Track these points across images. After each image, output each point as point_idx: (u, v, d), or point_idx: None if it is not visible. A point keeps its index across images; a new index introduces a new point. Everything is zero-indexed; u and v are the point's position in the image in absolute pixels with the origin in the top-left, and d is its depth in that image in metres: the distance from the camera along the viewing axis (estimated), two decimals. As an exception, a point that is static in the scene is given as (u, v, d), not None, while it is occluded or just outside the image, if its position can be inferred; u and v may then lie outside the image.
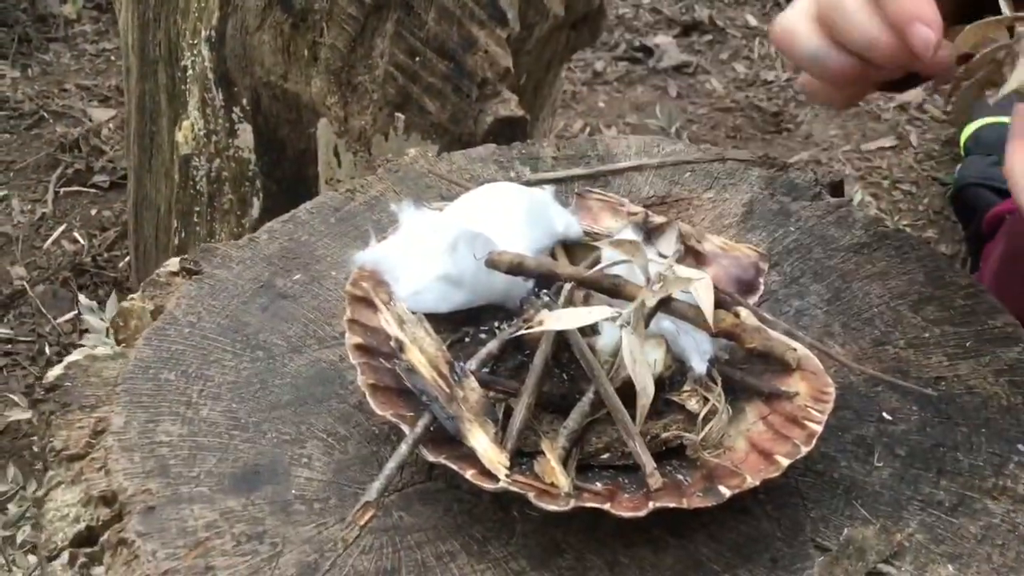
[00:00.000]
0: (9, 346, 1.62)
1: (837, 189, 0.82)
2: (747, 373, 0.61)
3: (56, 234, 1.78)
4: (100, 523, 0.56)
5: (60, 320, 1.64)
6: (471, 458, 0.55)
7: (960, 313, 0.68)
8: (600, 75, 2.23)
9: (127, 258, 1.69)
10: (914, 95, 2.10)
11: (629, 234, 0.69)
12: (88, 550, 0.56)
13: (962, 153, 1.88)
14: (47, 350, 1.60)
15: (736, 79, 2.20)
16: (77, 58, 2.24)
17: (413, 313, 0.60)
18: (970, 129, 1.87)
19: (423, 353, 0.57)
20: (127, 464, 0.57)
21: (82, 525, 0.57)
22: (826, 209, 0.77)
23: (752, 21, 2.37)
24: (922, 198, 1.89)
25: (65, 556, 0.56)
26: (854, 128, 2.04)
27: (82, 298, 1.57)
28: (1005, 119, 1.83)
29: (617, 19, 2.38)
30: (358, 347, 0.60)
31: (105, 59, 2.22)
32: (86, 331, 1.59)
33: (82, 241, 1.78)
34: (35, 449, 1.38)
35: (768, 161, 0.82)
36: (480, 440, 0.54)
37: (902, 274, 0.72)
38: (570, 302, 0.64)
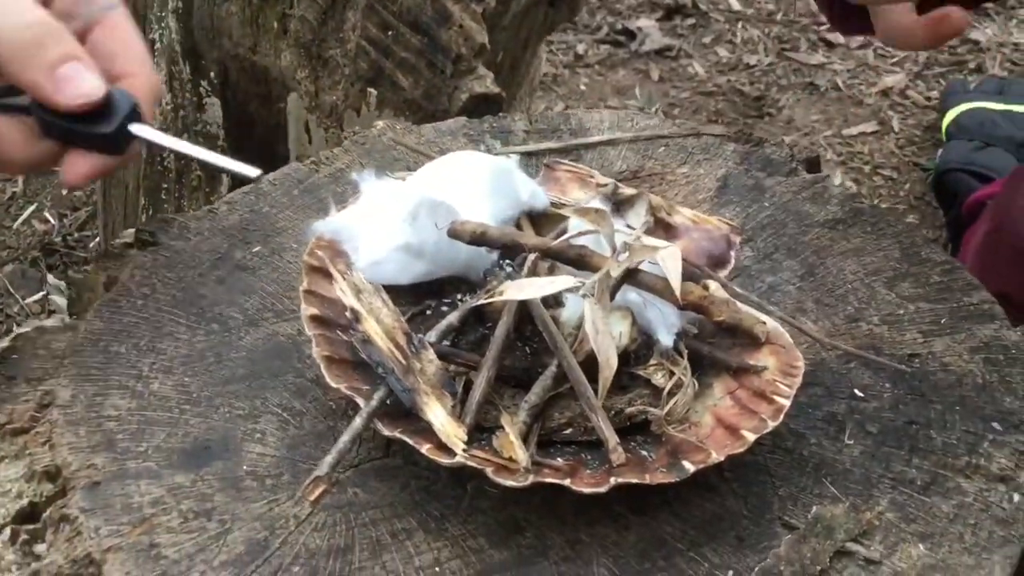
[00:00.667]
0: (-23, 326, 1.59)
1: (813, 165, 0.81)
2: (715, 347, 0.60)
3: (26, 214, 1.75)
4: (43, 499, 0.54)
5: (29, 300, 1.61)
6: (428, 432, 0.53)
7: (935, 289, 0.67)
8: (581, 58, 2.21)
9: (97, 238, 1.66)
10: (897, 80, 2.09)
11: (597, 204, 0.67)
12: (30, 527, 0.54)
13: (943, 138, 1.87)
14: (15, 330, 1.57)
15: (718, 63, 2.18)
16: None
17: (370, 283, 0.58)
18: (952, 115, 1.86)
19: (380, 324, 0.55)
20: (72, 438, 0.55)
21: (25, 501, 0.54)
22: (801, 185, 0.76)
23: (735, 5, 2.35)
24: (903, 183, 1.88)
25: (7, 533, 0.53)
26: (836, 113, 2.03)
27: (50, 277, 1.55)
28: (986, 104, 1.82)
29: (599, 1, 2.36)
30: (314, 319, 0.58)
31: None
32: (54, 312, 1.56)
33: (52, 221, 1.75)
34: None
35: (743, 136, 0.81)
36: (437, 413, 0.52)
37: (877, 250, 0.70)
38: (534, 273, 0.62)
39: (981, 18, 2.25)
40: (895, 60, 2.15)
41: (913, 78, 2.11)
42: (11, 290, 1.61)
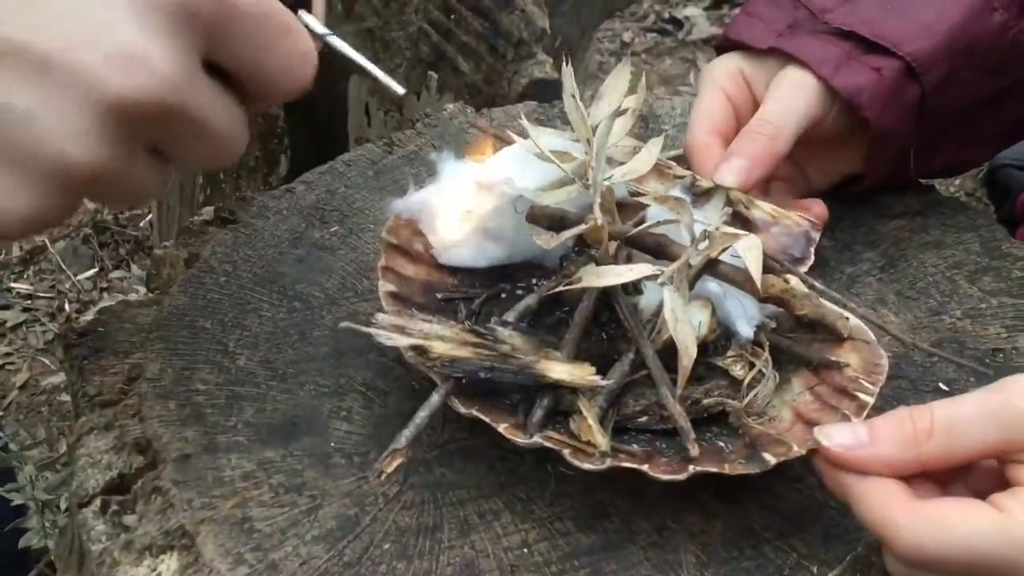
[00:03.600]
0: (29, 302, 1.62)
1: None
2: (795, 342, 0.59)
3: (77, 191, 1.77)
4: (133, 471, 0.55)
5: (80, 277, 1.63)
6: (504, 411, 0.53)
7: (1018, 284, 0.66)
8: (628, 45, 2.20)
9: (148, 216, 1.68)
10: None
11: (676, 194, 0.66)
12: (120, 498, 0.54)
13: (996, 134, 1.85)
14: (67, 307, 1.59)
15: (766, 53, 2.17)
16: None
17: (395, 305, 0.57)
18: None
19: (444, 340, 0.54)
20: (162, 411, 0.56)
21: (114, 472, 0.55)
22: (877, 176, 0.75)
23: (783, -5, 2.33)
24: (954, 179, 1.86)
25: (97, 503, 0.54)
26: (885, 106, 2.01)
27: (134, 268, 1.55)
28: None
29: (647, -10, 2.35)
30: (391, 295, 0.58)
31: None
32: (106, 289, 1.58)
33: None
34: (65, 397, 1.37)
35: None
36: (558, 368, 0.53)
37: (957, 243, 0.69)
38: (613, 260, 0.62)
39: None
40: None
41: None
42: (63, 267, 1.64)
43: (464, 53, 1.10)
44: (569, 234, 0.58)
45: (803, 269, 0.64)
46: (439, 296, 0.61)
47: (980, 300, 0.65)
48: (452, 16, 1.09)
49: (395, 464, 0.49)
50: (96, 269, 1.64)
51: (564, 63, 0.64)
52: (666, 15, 2.27)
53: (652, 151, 0.63)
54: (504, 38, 1.10)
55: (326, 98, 1.13)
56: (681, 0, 2.32)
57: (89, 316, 0.63)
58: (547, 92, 1.12)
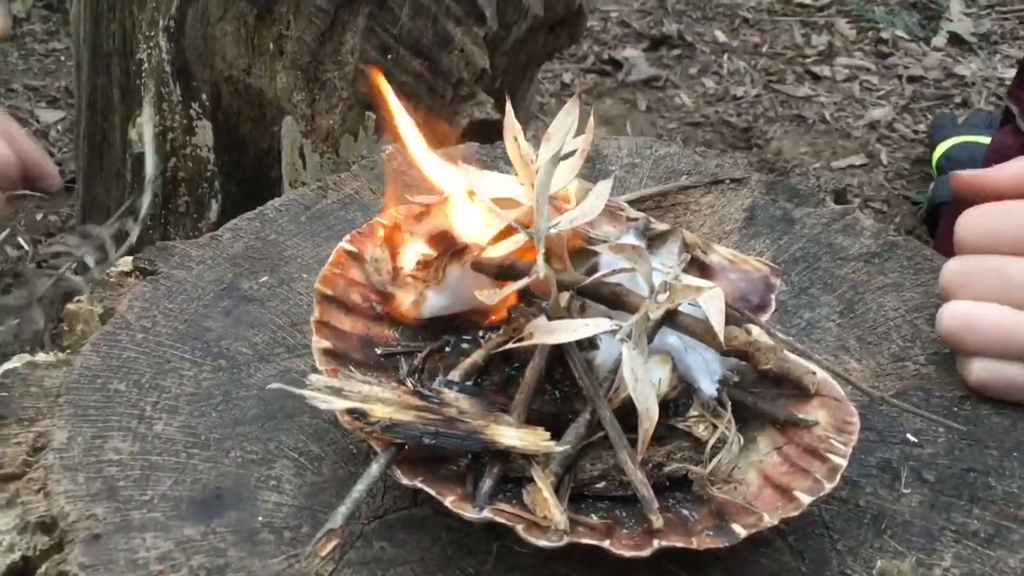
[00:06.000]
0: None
1: (840, 196, 0.78)
2: (759, 398, 0.56)
3: (-1, 239, 1.69)
4: (37, 553, 0.49)
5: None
6: (451, 479, 0.49)
7: (981, 328, 0.64)
8: (568, 87, 2.19)
9: (72, 266, 1.60)
10: (884, 113, 2.08)
11: (631, 240, 0.63)
12: (23, 584, 0.49)
13: (934, 172, 1.86)
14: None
15: (705, 94, 2.17)
16: (25, 58, 2.15)
17: (331, 363, 0.53)
18: (942, 148, 1.86)
19: (385, 403, 0.49)
20: (70, 485, 0.50)
21: (17, 555, 0.49)
22: (831, 216, 0.73)
23: (721, 37, 2.34)
24: (894, 217, 1.86)
25: (-4, 591, 0.48)
26: (824, 145, 2.02)
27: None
28: (976, 138, 1.82)
29: (586, 32, 2.34)
30: (327, 352, 0.53)
31: (55, 59, 2.13)
32: (26, 343, 1.50)
33: (26, 247, 1.69)
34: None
35: (768, 165, 0.77)
36: (508, 433, 0.48)
37: (917, 285, 0.67)
38: (566, 311, 0.58)
39: (965, 53, 2.26)
40: (881, 94, 2.15)
41: (900, 112, 2.11)
42: (-19, 318, 1.55)
43: (402, 93, 1.07)
44: (512, 289, 0.55)
45: (764, 317, 0.61)
46: (379, 351, 0.57)
47: (944, 344, 0.62)
48: (389, 56, 1.05)
49: (330, 546, 0.44)
50: (16, 320, 1.56)
51: (506, 103, 0.60)
52: (605, 56, 2.27)
53: (601, 194, 0.60)
54: (443, 78, 1.07)
55: (258, 140, 1.09)
56: (620, 42, 2.32)
57: (-9, 379, 0.57)
58: (488, 134, 1.09)
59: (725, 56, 2.28)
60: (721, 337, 0.53)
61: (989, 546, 0.51)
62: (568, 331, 0.53)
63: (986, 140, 1.77)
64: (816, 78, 2.20)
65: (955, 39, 2.29)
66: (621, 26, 2.38)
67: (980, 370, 0.59)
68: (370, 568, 0.48)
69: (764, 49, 2.29)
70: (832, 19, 2.38)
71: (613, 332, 0.53)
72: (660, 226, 0.65)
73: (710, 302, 0.54)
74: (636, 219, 0.65)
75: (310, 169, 1.09)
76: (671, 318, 0.55)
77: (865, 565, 0.50)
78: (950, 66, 2.23)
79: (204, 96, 1.07)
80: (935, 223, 1.70)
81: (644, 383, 0.51)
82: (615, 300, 0.57)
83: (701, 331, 0.55)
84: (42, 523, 0.50)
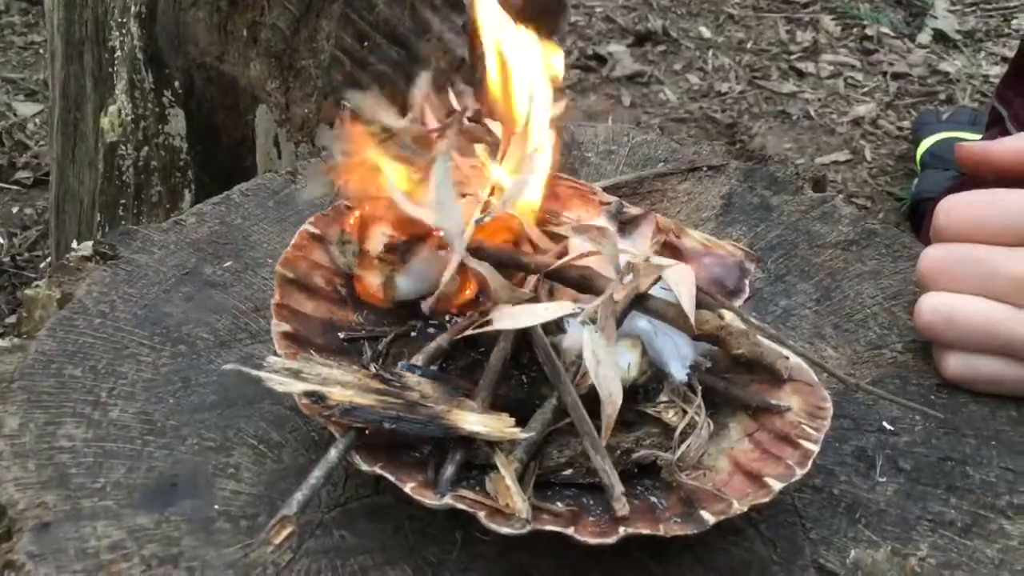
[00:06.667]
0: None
1: (818, 185, 0.77)
2: (731, 383, 0.54)
3: (-28, 232, 1.67)
4: (-16, 542, 0.48)
5: (-27, 322, 1.53)
6: (412, 466, 0.47)
7: (959, 315, 0.62)
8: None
9: (48, 258, 1.58)
10: (868, 109, 2.08)
11: (602, 223, 0.62)
12: (-31, 575, 0.47)
13: (918, 168, 1.86)
14: (-43, 354, 1.49)
15: (690, 90, 2.16)
16: (3, 50, 2.12)
17: (291, 347, 0.51)
18: (926, 144, 1.85)
19: (345, 386, 0.48)
20: (20, 472, 0.49)
21: (-37, 545, 0.48)
22: (809, 204, 0.72)
23: (705, 33, 2.34)
24: (877, 213, 1.86)
25: (-59, 582, 0.47)
26: (808, 141, 2.01)
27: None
28: (960, 134, 1.81)
29: (570, 27, 2.33)
30: (286, 335, 0.52)
31: (33, 52, 2.11)
32: (1, 334, 1.48)
33: (1, 240, 1.67)
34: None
35: (746, 153, 0.76)
36: (472, 419, 0.47)
37: (894, 273, 0.66)
38: (534, 296, 0.57)
39: (950, 50, 2.26)
40: (865, 90, 2.15)
41: (884, 108, 2.10)
42: (-46, 311, 1.53)
43: (379, 82, 1.05)
44: (434, 298, 0.53)
45: (738, 302, 0.60)
46: (341, 336, 0.56)
47: (921, 336, 0.61)
48: (366, 43, 1.04)
49: (285, 532, 0.42)
50: (-10, 314, 1.54)
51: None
52: (589, 52, 2.26)
53: (535, 169, 0.58)
54: (421, 66, 1.05)
55: (232, 129, 1.07)
56: (604, 37, 2.31)
57: (-58, 365, 0.56)
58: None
59: (710, 52, 2.27)
60: (692, 317, 0.51)
61: (966, 535, 0.50)
62: (530, 316, 0.52)
63: (970, 136, 1.77)
64: (801, 74, 2.20)
65: (940, 36, 2.29)
66: (606, 21, 2.37)
67: (957, 364, 0.57)
68: (329, 557, 0.46)
69: (749, 45, 2.28)
70: (817, 15, 2.37)
71: (576, 315, 0.52)
72: (633, 210, 0.63)
73: (680, 283, 0.52)
74: (609, 203, 0.64)
75: (285, 158, 1.07)
76: (640, 301, 0.54)
77: (839, 554, 0.49)
78: (935, 63, 2.23)
79: (176, 84, 1.06)
80: (919, 219, 1.70)
81: (608, 366, 0.50)
82: (584, 283, 0.55)
83: (671, 315, 0.53)
84: (-10, 511, 0.48)
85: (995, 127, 1.47)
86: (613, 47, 2.28)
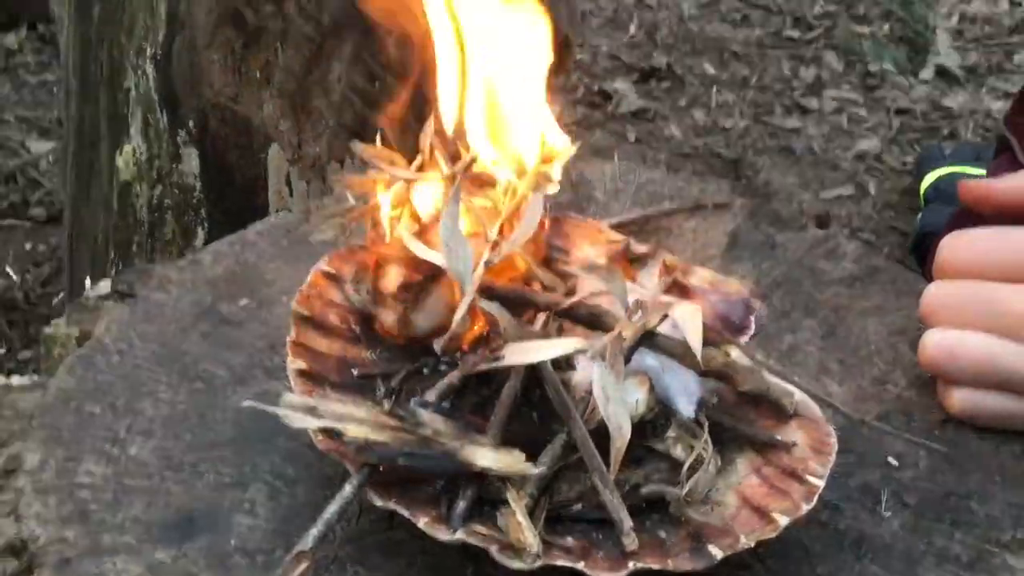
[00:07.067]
0: (-73, 385, 1.52)
1: (823, 221, 0.78)
2: (738, 420, 0.55)
3: (-15, 268, 1.69)
4: (6, 577, 0.49)
5: (-14, 358, 1.54)
6: (426, 501, 0.48)
7: (963, 351, 0.63)
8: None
9: (61, 295, 1.60)
10: (872, 144, 2.09)
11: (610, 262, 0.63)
12: (-10, 609, 0.48)
13: (921, 203, 1.87)
14: (-29, 390, 1.50)
15: (695, 126, 2.18)
16: (18, 89, 2.16)
17: (306, 385, 0.53)
18: (930, 179, 1.87)
19: (359, 422, 0.49)
20: (41, 508, 0.50)
21: (-16, 580, 0.49)
22: (813, 241, 0.73)
23: (710, 69, 2.36)
24: (882, 247, 1.87)
25: (-38, 616, 0.48)
26: (812, 176, 2.02)
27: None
28: (964, 169, 1.82)
29: (575, 64, 2.36)
30: (302, 373, 0.53)
31: (47, 91, 2.14)
32: (13, 371, 1.49)
33: (14, 276, 1.69)
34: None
35: (751, 189, 0.78)
36: (484, 454, 0.48)
37: (898, 309, 0.67)
38: (544, 333, 0.58)
39: (953, 86, 2.28)
40: (869, 125, 2.17)
41: (888, 143, 2.12)
42: (-33, 348, 1.54)
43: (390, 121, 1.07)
44: (446, 337, 0.55)
45: (745, 339, 0.61)
46: (355, 373, 0.57)
47: (925, 371, 0.62)
48: (377, 83, 1.06)
49: (301, 567, 0.43)
50: (3, 350, 1.55)
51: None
52: (595, 88, 2.28)
53: (534, 208, 0.60)
54: (429, 108, 1.07)
55: (245, 168, 1.09)
56: (609, 74, 2.34)
57: (-36, 403, 0.57)
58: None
59: (714, 88, 2.29)
60: (699, 354, 0.53)
61: (971, 571, 0.51)
62: (540, 351, 0.53)
63: (974, 171, 1.78)
64: (804, 110, 2.22)
65: (942, 72, 2.31)
66: (611, 59, 2.39)
67: (961, 399, 0.58)
68: (343, 592, 0.47)
69: (753, 81, 2.31)
70: (820, 52, 2.40)
71: (585, 351, 0.53)
72: (641, 248, 0.65)
73: (687, 320, 0.53)
74: (617, 241, 0.65)
75: (297, 197, 1.09)
76: (648, 338, 0.55)
77: (845, 589, 0.49)
78: (937, 99, 2.25)
79: (191, 123, 1.08)
80: (922, 254, 1.70)
81: (616, 402, 0.51)
82: (594, 321, 0.56)
83: (679, 351, 0.54)
84: (11, 547, 0.49)
85: (1004, 154, 1.49)
86: (619, 83, 2.31)
